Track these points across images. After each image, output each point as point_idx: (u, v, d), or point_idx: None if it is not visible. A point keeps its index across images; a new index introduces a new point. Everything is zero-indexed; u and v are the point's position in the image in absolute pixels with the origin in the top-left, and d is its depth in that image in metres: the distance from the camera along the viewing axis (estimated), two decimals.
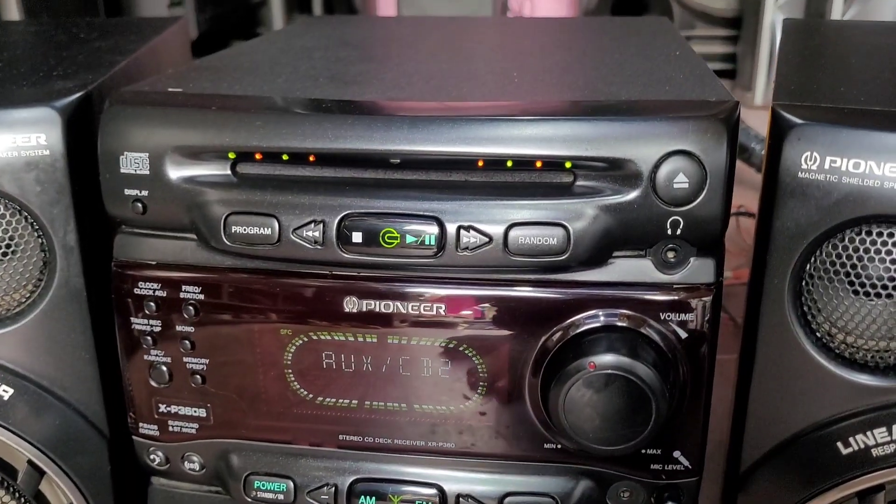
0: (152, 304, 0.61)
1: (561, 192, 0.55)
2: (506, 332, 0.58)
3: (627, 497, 0.62)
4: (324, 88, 0.65)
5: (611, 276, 0.57)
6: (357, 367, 0.61)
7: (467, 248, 0.55)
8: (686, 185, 0.54)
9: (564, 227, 0.54)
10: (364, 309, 0.58)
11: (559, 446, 0.60)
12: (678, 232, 0.55)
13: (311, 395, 0.62)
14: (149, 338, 0.62)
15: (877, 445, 0.54)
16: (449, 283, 0.58)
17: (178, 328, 0.61)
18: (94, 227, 0.62)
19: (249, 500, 0.64)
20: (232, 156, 0.58)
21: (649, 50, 0.81)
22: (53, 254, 0.61)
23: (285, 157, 0.57)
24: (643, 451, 0.60)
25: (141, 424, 0.65)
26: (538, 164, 0.55)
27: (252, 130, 0.57)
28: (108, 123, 0.59)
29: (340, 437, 0.63)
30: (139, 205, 0.59)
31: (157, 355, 0.62)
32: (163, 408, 0.64)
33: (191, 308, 0.60)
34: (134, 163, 0.58)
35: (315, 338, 0.60)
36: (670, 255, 0.56)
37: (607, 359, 0.54)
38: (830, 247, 0.54)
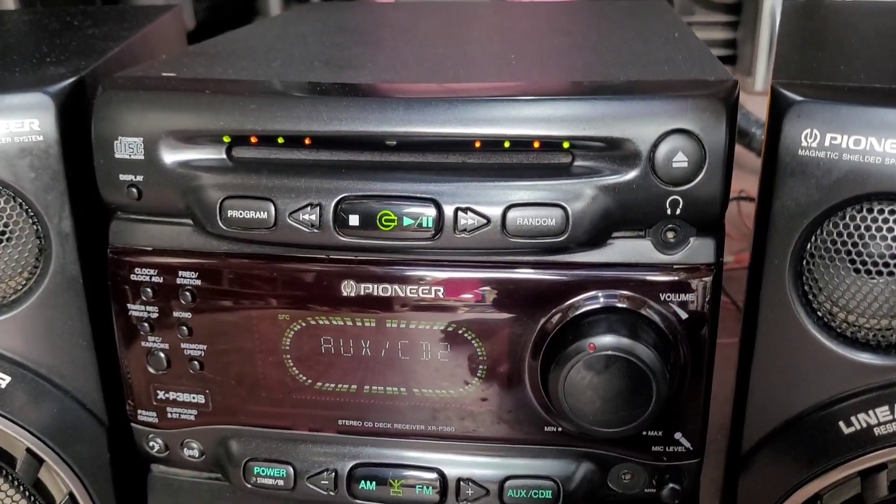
0: (149, 290, 0.60)
1: (559, 172, 0.55)
2: (505, 315, 0.58)
3: (628, 479, 0.61)
4: (318, 73, 0.64)
5: (610, 256, 0.56)
6: (356, 351, 0.60)
7: (465, 230, 0.54)
8: (685, 165, 0.53)
9: (563, 207, 0.54)
10: (362, 293, 0.58)
11: (560, 429, 0.60)
12: (678, 212, 0.54)
13: (309, 381, 0.62)
14: (146, 324, 0.61)
15: (879, 424, 0.54)
16: (447, 266, 0.57)
17: (176, 314, 0.61)
18: (89, 213, 0.61)
19: (249, 486, 0.64)
20: (227, 139, 0.57)
21: (648, 32, 0.80)
22: (49, 241, 0.60)
23: (281, 140, 0.57)
24: (644, 432, 0.59)
25: (139, 411, 0.65)
26: (536, 144, 0.55)
27: (247, 114, 0.56)
28: (102, 108, 0.58)
29: (340, 422, 0.62)
30: (134, 190, 0.58)
31: (154, 342, 0.62)
32: (161, 394, 0.64)
33: (188, 294, 0.60)
34: (128, 148, 0.57)
35: (313, 323, 0.59)
36: (670, 235, 0.56)
37: (607, 340, 0.54)
38: (831, 225, 0.53)
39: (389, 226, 0.55)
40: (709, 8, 2.60)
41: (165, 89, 0.59)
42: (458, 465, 0.62)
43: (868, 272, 0.53)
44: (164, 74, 0.62)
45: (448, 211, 0.54)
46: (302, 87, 0.59)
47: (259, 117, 0.56)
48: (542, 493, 0.61)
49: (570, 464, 0.61)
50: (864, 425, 0.54)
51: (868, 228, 0.52)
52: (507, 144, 0.55)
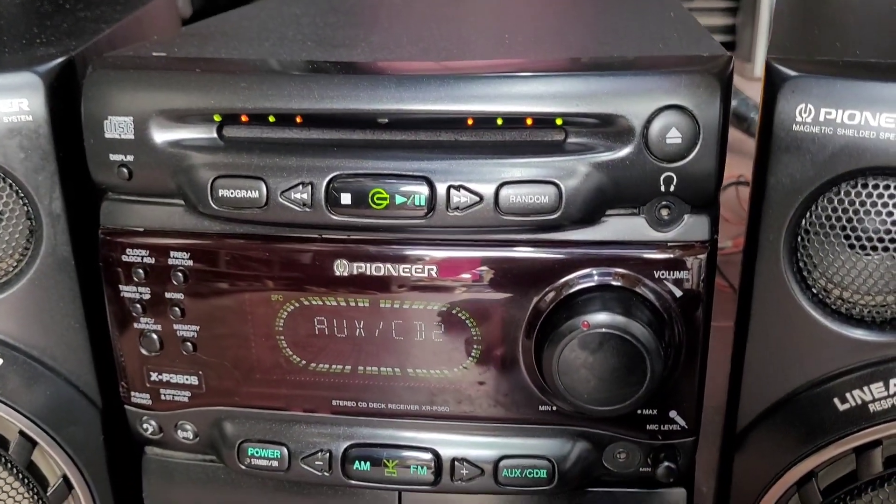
0: (141, 271, 0.60)
1: (552, 149, 0.54)
2: (498, 294, 0.57)
3: (623, 458, 0.61)
4: (311, 52, 0.63)
5: (604, 234, 0.56)
6: (349, 332, 0.60)
7: (458, 207, 0.54)
8: (679, 141, 0.53)
9: (556, 185, 0.53)
10: (354, 272, 0.58)
11: (554, 408, 0.60)
12: (672, 189, 0.54)
13: (303, 362, 0.61)
14: (138, 305, 0.61)
15: (874, 401, 0.54)
16: (440, 245, 0.57)
17: (168, 295, 0.60)
18: (80, 194, 0.61)
19: (243, 467, 0.64)
20: (217, 118, 0.57)
21: (643, 11, 0.79)
22: (39, 222, 0.60)
23: (272, 118, 0.56)
24: (639, 411, 0.59)
25: (133, 393, 0.65)
26: (529, 121, 0.55)
27: (237, 92, 0.56)
28: (92, 88, 0.58)
29: (334, 402, 0.62)
30: (125, 170, 0.58)
31: (147, 323, 0.62)
32: (154, 376, 0.63)
33: (179, 274, 0.60)
34: (118, 127, 0.57)
35: (306, 303, 0.59)
36: (664, 212, 0.55)
37: (601, 318, 0.54)
38: (826, 201, 0.53)
39: (382, 204, 0.54)
40: None
41: (156, 68, 0.59)
42: (453, 444, 0.62)
43: (863, 247, 0.53)
44: (155, 54, 0.61)
45: (440, 189, 0.54)
46: (293, 66, 0.59)
47: (250, 96, 0.56)
48: (536, 473, 0.61)
49: (565, 443, 0.61)
50: (859, 402, 0.54)
51: (863, 204, 0.52)
52: (499, 122, 0.55)
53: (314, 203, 0.55)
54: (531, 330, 0.57)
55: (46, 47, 0.64)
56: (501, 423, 0.61)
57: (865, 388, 0.54)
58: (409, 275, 0.57)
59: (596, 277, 0.56)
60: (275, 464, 0.63)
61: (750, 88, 1.77)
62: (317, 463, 0.62)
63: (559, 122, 0.54)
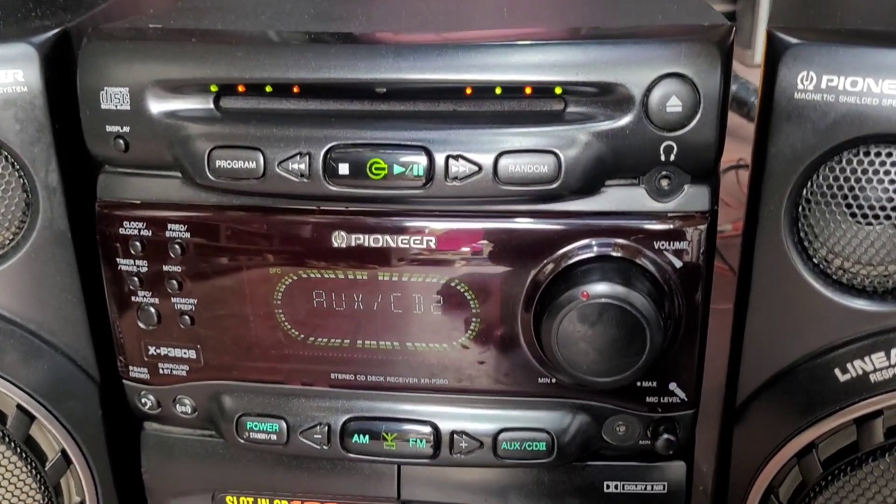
0: (138, 244, 0.60)
1: (552, 119, 0.54)
2: (497, 266, 0.57)
3: (623, 431, 0.61)
4: (308, 25, 0.63)
5: (603, 205, 0.56)
6: (348, 305, 0.60)
7: (456, 177, 0.54)
8: (679, 109, 0.52)
9: (555, 154, 0.53)
10: (353, 244, 0.57)
11: (554, 381, 0.60)
12: (672, 158, 0.54)
13: (302, 335, 0.61)
14: (136, 279, 0.61)
15: (875, 371, 0.54)
16: (439, 216, 0.57)
17: (165, 268, 0.60)
18: (76, 167, 0.60)
19: (242, 441, 0.63)
20: (214, 89, 0.56)
21: None
22: (36, 194, 0.60)
23: (269, 88, 0.56)
24: (638, 383, 0.59)
25: (131, 368, 0.64)
26: (528, 90, 0.54)
27: (233, 62, 0.55)
28: (87, 59, 0.57)
29: (333, 376, 0.62)
30: (121, 142, 0.57)
31: (144, 296, 0.61)
32: (152, 350, 0.63)
33: (177, 247, 0.59)
34: (114, 98, 0.57)
35: (304, 276, 0.59)
36: (664, 182, 0.55)
37: (600, 288, 0.53)
38: (827, 170, 0.52)
39: (380, 174, 0.54)
40: None
41: (151, 39, 0.58)
42: (452, 417, 0.62)
43: (864, 217, 0.52)
44: (151, 26, 0.61)
45: (439, 159, 0.54)
46: (290, 36, 0.58)
47: (246, 65, 0.55)
48: (536, 445, 0.60)
49: (565, 416, 0.61)
50: (860, 372, 0.54)
51: (865, 172, 0.51)
52: (498, 91, 0.54)
53: (312, 173, 0.54)
54: (530, 302, 0.57)
55: (42, 20, 0.63)
56: (501, 395, 0.61)
57: (866, 359, 0.54)
58: (407, 246, 0.57)
59: (595, 248, 0.56)
60: (273, 437, 0.63)
61: (750, 75, 1.76)
62: (315, 436, 0.62)
63: (558, 91, 0.54)
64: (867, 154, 0.51)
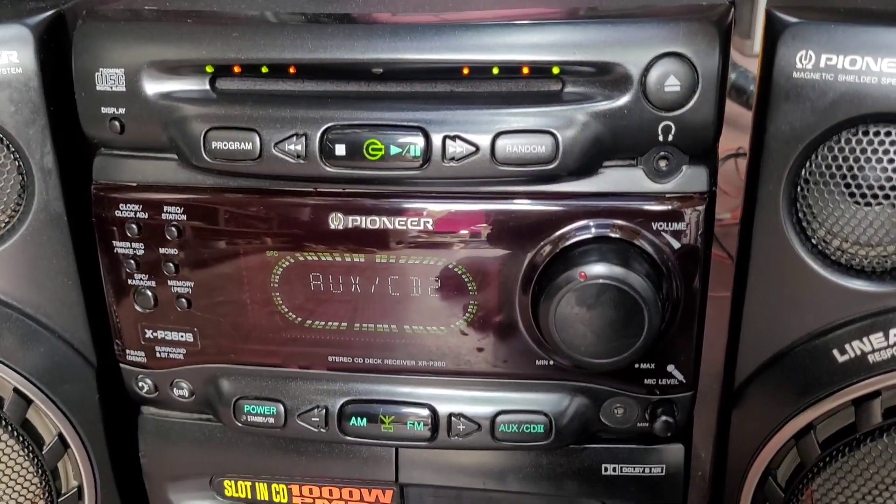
0: (134, 226, 0.60)
1: (549, 99, 0.54)
2: (494, 248, 0.57)
3: (621, 413, 0.61)
4: (303, 5, 0.62)
5: (601, 186, 0.56)
6: (345, 288, 0.59)
7: (453, 158, 0.53)
8: (678, 89, 0.52)
9: (553, 134, 0.53)
10: (350, 225, 0.57)
11: (551, 363, 0.60)
12: (670, 138, 0.53)
13: (299, 319, 0.61)
14: (132, 262, 0.61)
15: (873, 351, 0.53)
16: (436, 197, 0.56)
17: (162, 251, 0.60)
18: (72, 149, 0.60)
19: (239, 424, 0.63)
20: (210, 70, 0.56)
21: None
22: (31, 177, 0.59)
23: (265, 69, 0.56)
24: (636, 365, 0.59)
25: (128, 351, 0.64)
26: (525, 70, 0.54)
27: (230, 42, 0.55)
28: (83, 39, 0.57)
29: (330, 359, 0.62)
30: (116, 123, 0.57)
31: (141, 279, 0.61)
32: (149, 333, 0.63)
33: (173, 229, 0.59)
34: (110, 79, 0.56)
35: (301, 259, 0.59)
36: (662, 163, 0.55)
37: (598, 269, 0.53)
38: (826, 150, 0.52)
39: (376, 155, 0.54)
40: None
41: (147, 19, 0.58)
42: (450, 400, 0.61)
43: (863, 196, 0.52)
44: (147, 7, 0.61)
45: (436, 139, 0.53)
46: (286, 16, 0.58)
47: (242, 46, 0.55)
48: (533, 428, 0.60)
49: (563, 398, 0.61)
50: (859, 353, 0.54)
51: (864, 152, 0.51)
52: (495, 71, 0.54)
53: (308, 154, 0.54)
54: (528, 284, 0.57)
55: (37, 1, 0.63)
56: (498, 378, 0.61)
57: (865, 339, 0.54)
58: (404, 228, 0.57)
59: (593, 229, 0.56)
60: (271, 420, 0.63)
61: (749, 65, 1.75)
62: (313, 419, 0.62)
63: (556, 71, 0.53)
64: (866, 134, 0.51)
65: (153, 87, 0.56)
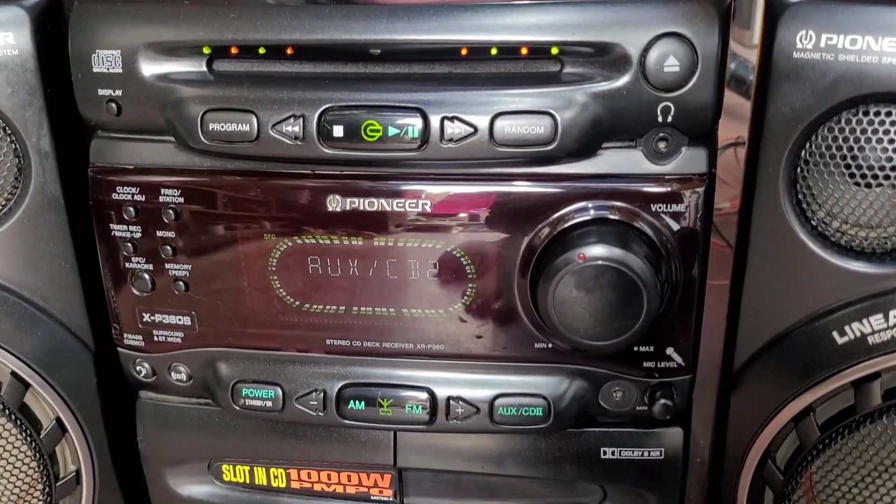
0: (131, 209, 0.59)
1: (548, 80, 0.54)
2: (493, 230, 0.57)
3: (620, 396, 0.61)
4: None
5: (600, 167, 0.55)
6: (343, 271, 0.59)
7: (452, 139, 0.53)
8: (677, 69, 0.52)
9: (552, 115, 0.53)
10: (348, 207, 0.57)
11: (550, 346, 0.59)
12: (669, 119, 0.53)
13: (297, 302, 0.61)
14: (129, 244, 0.60)
15: (873, 333, 0.53)
16: (434, 179, 0.56)
17: (159, 234, 0.60)
18: (69, 131, 0.60)
19: (237, 408, 0.63)
20: (207, 51, 0.56)
21: None
22: (28, 159, 0.59)
23: (262, 50, 0.56)
24: (635, 348, 0.59)
25: (125, 335, 0.64)
26: (524, 51, 0.54)
27: (226, 23, 0.55)
28: (79, 21, 0.57)
29: (328, 342, 0.62)
30: (113, 105, 0.57)
31: (138, 263, 0.61)
32: (147, 317, 0.63)
33: (171, 212, 0.59)
34: (106, 61, 0.56)
35: (299, 241, 0.58)
36: (661, 144, 0.55)
37: (597, 250, 0.53)
38: (826, 130, 0.52)
39: (374, 136, 0.54)
40: None
41: (143, 0, 0.57)
42: (448, 383, 0.61)
43: (863, 177, 0.52)
44: None
45: (434, 120, 0.53)
46: None
47: (239, 27, 0.55)
48: (532, 411, 0.60)
49: (561, 381, 0.60)
50: (858, 334, 0.54)
51: (864, 132, 0.51)
52: (494, 52, 0.54)
53: (306, 136, 0.54)
54: (526, 266, 0.57)
55: None
56: (497, 361, 0.61)
57: (865, 321, 0.53)
58: (402, 210, 0.57)
59: (592, 211, 0.55)
60: (269, 404, 0.63)
61: (750, 55, 1.75)
62: (311, 403, 0.62)
63: (555, 51, 0.53)
64: (866, 114, 0.51)
65: (150, 68, 0.56)
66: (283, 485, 0.69)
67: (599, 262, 0.53)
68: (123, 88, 0.56)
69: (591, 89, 0.53)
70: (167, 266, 0.61)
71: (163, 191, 0.59)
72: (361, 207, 0.57)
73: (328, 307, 0.61)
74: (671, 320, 0.58)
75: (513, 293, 0.58)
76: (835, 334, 0.54)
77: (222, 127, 0.55)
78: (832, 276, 0.54)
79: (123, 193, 0.59)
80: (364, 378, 0.62)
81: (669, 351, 0.59)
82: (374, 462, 0.67)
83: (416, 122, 0.53)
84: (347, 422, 0.62)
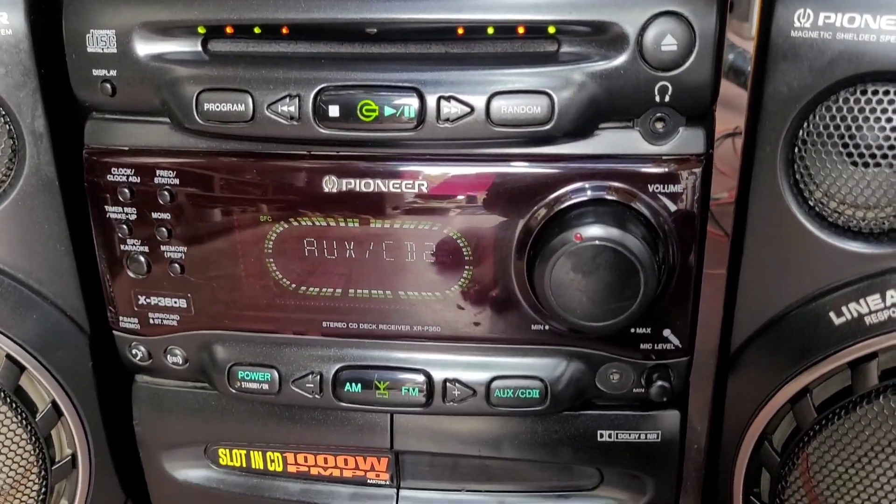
0: (126, 191, 0.59)
1: (545, 59, 0.53)
2: (490, 211, 0.56)
3: (617, 378, 0.61)
4: None
5: (597, 148, 0.55)
6: (340, 253, 0.59)
7: (448, 119, 0.53)
8: (674, 48, 0.51)
9: (549, 95, 0.52)
10: (344, 189, 0.57)
11: (547, 328, 0.59)
12: (666, 99, 0.53)
13: (293, 284, 0.60)
14: (124, 226, 0.60)
15: (870, 313, 0.53)
16: (431, 160, 0.56)
17: (154, 215, 0.59)
18: (63, 112, 0.60)
19: (234, 391, 0.63)
20: (202, 31, 0.55)
21: None
22: (22, 141, 0.59)
23: (257, 30, 0.55)
24: (632, 329, 0.59)
25: (121, 318, 0.64)
26: (521, 30, 0.53)
27: (221, 3, 0.55)
28: (73, 0, 0.56)
29: (325, 325, 0.62)
30: (108, 86, 0.56)
31: (133, 245, 0.61)
32: (142, 300, 0.63)
33: (166, 194, 0.58)
34: (101, 41, 0.56)
35: (295, 223, 0.58)
36: (658, 125, 0.54)
37: (594, 230, 0.53)
38: (824, 110, 0.52)
39: (370, 116, 0.53)
40: None
41: None
42: (445, 366, 0.61)
43: (861, 157, 0.52)
44: None
45: (430, 100, 0.53)
46: None
47: (234, 6, 0.54)
48: (529, 393, 0.60)
49: (559, 363, 0.60)
50: (855, 314, 0.54)
51: (862, 111, 0.51)
52: (490, 31, 0.54)
53: (301, 116, 0.54)
54: (523, 247, 0.56)
55: None
56: (494, 343, 0.61)
57: (861, 301, 0.53)
58: (399, 191, 0.56)
59: (589, 192, 0.55)
60: (265, 387, 0.63)
61: (747, 47, 1.75)
62: (307, 385, 0.62)
63: (552, 30, 0.53)
64: (864, 93, 0.51)
65: (145, 48, 0.55)
66: (279, 468, 0.69)
67: (596, 243, 0.52)
68: (118, 69, 0.56)
69: (588, 69, 0.52)
70: (162, 248, 0.60)
71: (158, 172, 0.58)
72: (357, 188, 0.57)
73: (324, 290, 0.60)
74: (668, 302, 0.58)
75: (510, 275, 0.58)
76: (832, 315, 0.54)
77: (217, 107, 0.55)
78: (829, 257, 0.54)
79: (118, 175, 0.59)
80: (360, 360, 0.62)
81: (666, 333, 0.59)
82: (371, 445, 0.67)
83: (412, 102, 0.53)
84: (344, 404, 0.62)
